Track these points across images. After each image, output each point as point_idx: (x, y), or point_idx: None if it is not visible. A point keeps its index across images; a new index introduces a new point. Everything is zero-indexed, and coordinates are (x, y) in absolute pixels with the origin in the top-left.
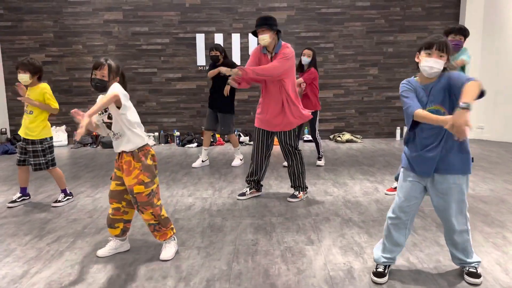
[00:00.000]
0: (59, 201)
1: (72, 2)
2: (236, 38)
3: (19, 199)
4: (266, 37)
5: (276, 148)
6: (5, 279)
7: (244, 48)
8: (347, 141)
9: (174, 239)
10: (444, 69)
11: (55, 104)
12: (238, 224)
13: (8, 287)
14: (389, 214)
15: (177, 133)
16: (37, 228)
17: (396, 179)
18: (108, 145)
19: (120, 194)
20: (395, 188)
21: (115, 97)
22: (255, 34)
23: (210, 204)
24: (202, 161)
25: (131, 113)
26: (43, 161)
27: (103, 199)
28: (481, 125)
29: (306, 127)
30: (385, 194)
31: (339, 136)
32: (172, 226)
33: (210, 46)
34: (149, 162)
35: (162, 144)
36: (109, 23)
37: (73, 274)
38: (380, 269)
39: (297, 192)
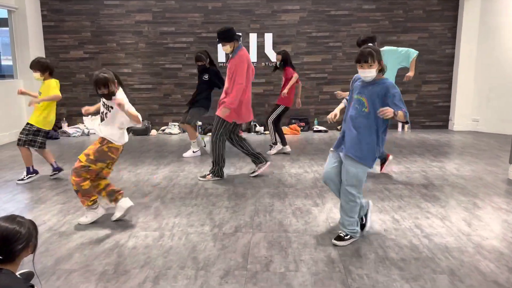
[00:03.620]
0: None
1: (108, 4)
2: (253, 37)
3: (27, 177)
4: (227, 48)
5: (288, 137)
6: (81, 225)
7: (260, 46)
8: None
9: (94, 209)
10: (381, 70)
11: (55, 92)
12: (257, 192)
13: (85, 229)
14: None
15: (199, 123)
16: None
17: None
18: (139, 132)
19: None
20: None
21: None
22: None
23: (233, 178)
24: (193, 152)
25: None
26: (23, 138)
27: (143, 174)
28: (476, 118)
29: (316, 119)
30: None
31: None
32: (92, 199)
33: (195, 57)
34: (105, 149)
35: (186, 133)
36: (140, 23)
37: (132, 222)
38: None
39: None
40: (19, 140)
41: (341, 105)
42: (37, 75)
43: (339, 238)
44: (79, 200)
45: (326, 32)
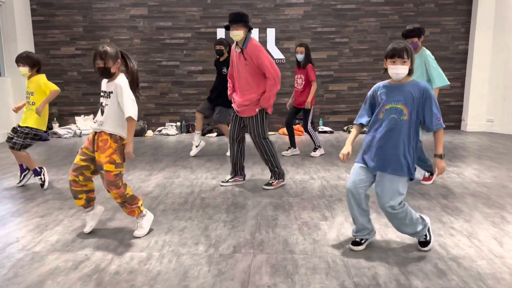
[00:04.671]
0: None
1: None
2: (255, 32)
3: (22, 177)
4: (240, 33)
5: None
6: (58, 243)
7: (262, 42)
8: (360, 132)
9: (145, 215)
10: (410, 70)
11: (53, 87)
12: (258, 202)
13: (63, 249)
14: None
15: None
16: None
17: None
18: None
19: (80, 168)
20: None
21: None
22: (228, 28)
23: (232, 186)
24: (196, 147)
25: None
26: (19, 142)
27: (134, 181)
28: (491, 118)
29: (321, 119)
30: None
31: (352, 128)
32: (140, 203)
33: (216, 41)
34: (123, 147)
35: (184, 134)
36: (135, 18)
37: (117, 239)
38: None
39: (272, 179)
40: (14, 144)
41: (353, 134)
42: (25, 69)
43: (424, 244)
44: (127, 212)
45: (332, 27)
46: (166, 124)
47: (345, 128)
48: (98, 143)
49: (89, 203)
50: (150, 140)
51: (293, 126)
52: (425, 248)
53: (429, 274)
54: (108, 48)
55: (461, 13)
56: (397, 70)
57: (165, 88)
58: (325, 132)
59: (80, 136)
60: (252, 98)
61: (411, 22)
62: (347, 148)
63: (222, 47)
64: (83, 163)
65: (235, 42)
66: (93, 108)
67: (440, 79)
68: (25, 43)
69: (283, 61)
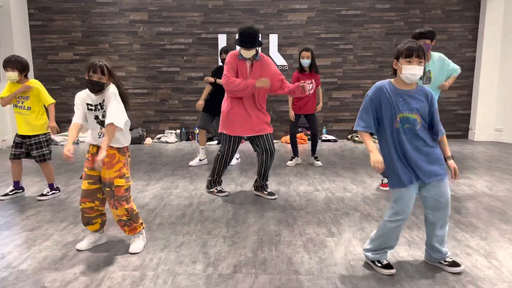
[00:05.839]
0: (45, 195)
1: (100, 2)
2: None
3: (12, 192)
4: (253, 52)
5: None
6: (46, 260)
7: (264, 48)
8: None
9: (142, 233)
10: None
11: (50, 99)
12: (260, 216)
13: (50, 267)
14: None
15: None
16: (71, 216)
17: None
18: (132, 140)
19: (93, 193)
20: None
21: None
22: (240, 44)
23: (233, 197)
24: (200, 160)
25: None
26: (47, 151)
27: (131, 191)
28: (500, 127)
29: (324, 127)
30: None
31: (357, 136)
32: (141, 221)
33: (222, 49)
34: (129, 159)
35: (184, 141)
36: (135, 23)
37: (109, 256)
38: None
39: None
40: (42, 156)
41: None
42: (14, 74)
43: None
44: (128, 231)
45: (336, 33)
46: (166, 131)
47: (349, 136)
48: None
49: (103, 226)
50: (149, 148)
51: (296, 135)
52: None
53: None
54: (108, 64)
55: (468, 20)
56: (414, 70)
57: (165, 95)
58: (328, 140)
59: (77, 143)
60: (266, 114)
61: (417, 29)
62: (378, 155)
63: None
64: (94, 186)
65: (239, 55)
66: None
67: (455, 67)
68: (22, 48)
69: (286, 67)
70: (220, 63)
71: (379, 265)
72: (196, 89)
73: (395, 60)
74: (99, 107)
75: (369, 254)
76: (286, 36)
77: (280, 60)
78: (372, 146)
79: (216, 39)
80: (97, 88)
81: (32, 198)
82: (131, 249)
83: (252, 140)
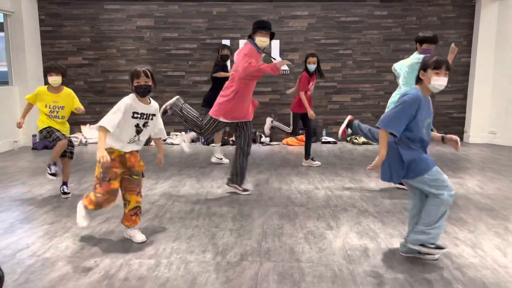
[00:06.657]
0: (67, 193)
1: (108, 9)
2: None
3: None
4: (268, 41)
5: (295, 148)
6: (68, 249)
7: (266, 53)
8: (364, 143)
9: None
10: None
11: (80, 104)
12: (264, 211)
13: (72, 255)
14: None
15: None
16: None
17: None
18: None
19: (118, 190)
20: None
21: None
22: (273, 35)
23: (238, 195)
24: (219, 158)
25: None
26: (73, 151)
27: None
28: (493, 130)
29: (324, 130)
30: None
31: (356, 139)
32: None
33: (221, 45)
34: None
35: (188, 143)
36: (141, 29)
37: (125, 247)
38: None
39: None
40: (71, 153)
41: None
42: (59, 78)
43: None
44: (137, 220)
45: (335, 39)
46: (171, 133)
47: (348, 139)
48: (131, 159)
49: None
50: (155, 150)
51: (297, 136)
52: None
53: (434, 283)
54: (149, 68)
55: (463, 26)
56: (442, 81)
57: (170, 98)
58: (328, 142)
59: (85, 144)
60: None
61: (414, 35)
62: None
63: (229, 52)
64: (118, 184)
65: (255, 47)
66: (98, 117)
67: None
68: (33, 52)
69: (287, 72)
70: (219, 59)
71: (433, 246)
72: (200, 93)
73: (421, 70)
74: (149, 117)
75: (423, 238)
76: (288, 41)
77: (285, 66)
78: (385, 148)
79: (220, 44)
80: (147, 91)
81: (49, 195)
82: (140, 239)
83: (237, 125)
